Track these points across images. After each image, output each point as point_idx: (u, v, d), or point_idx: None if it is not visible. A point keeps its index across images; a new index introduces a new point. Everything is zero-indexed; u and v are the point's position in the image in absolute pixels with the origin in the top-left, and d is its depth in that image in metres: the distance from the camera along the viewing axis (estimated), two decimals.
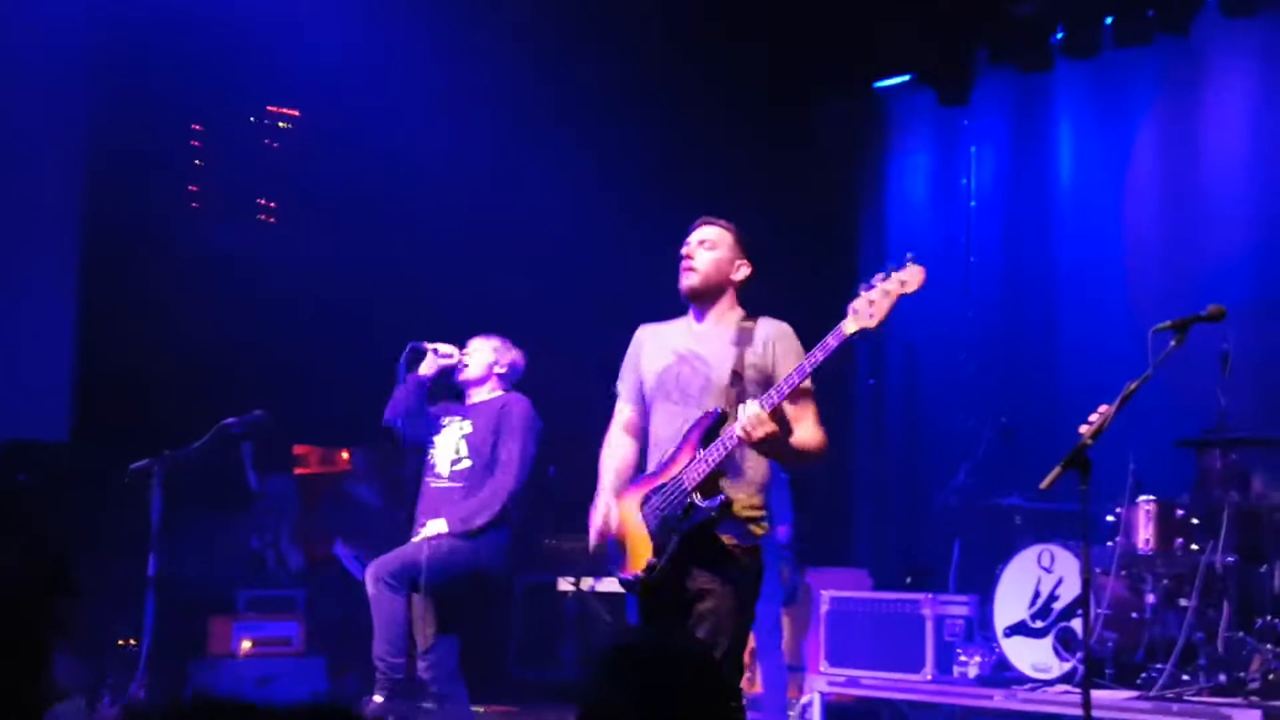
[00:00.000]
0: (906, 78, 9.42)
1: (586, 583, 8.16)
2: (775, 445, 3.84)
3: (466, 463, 5.81)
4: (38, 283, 8.18)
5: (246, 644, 7.45)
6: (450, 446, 5.87)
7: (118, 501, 6.50)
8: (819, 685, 6.80)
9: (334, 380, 8.36)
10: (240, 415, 6.46)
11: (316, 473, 9.03)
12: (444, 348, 5.97)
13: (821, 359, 3.82)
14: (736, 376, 4.03)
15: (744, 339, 4.12)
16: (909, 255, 3.78)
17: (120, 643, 7.04)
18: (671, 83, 9.10)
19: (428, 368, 5.96)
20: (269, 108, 9.31)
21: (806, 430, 3.99)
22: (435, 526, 5.65)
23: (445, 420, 5.97)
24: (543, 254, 9.14)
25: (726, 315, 4.29)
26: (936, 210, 9.50)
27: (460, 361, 5.96)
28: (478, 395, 6.01)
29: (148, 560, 6.07)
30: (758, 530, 3.97)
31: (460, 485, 5.78)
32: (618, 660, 2.28)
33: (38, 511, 6.76)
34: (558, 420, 7.93)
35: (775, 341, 4.13)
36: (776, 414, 3.82)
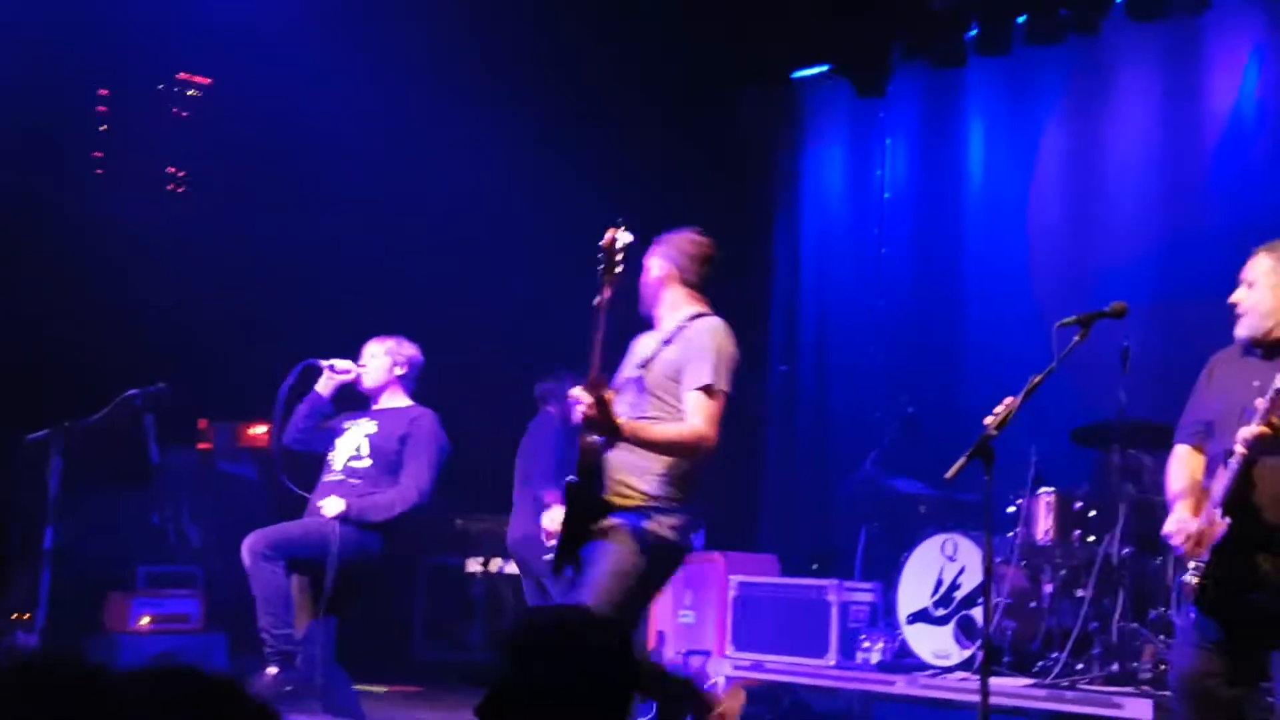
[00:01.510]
0: (824, 68, 9.49)
1: (495, 564, 8.15)
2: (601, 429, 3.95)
3: (366, 462, 5.72)
4: None
5: (145, 620, 7.33)
6: (351, 445, 5.77)
7: (15, 472, 6.35)
8: (724, 668, 6.86)
9: (239, 354, 8.23)
10: (143, 387, 6.35)
11: (215, 448, 8.90)
12: (340, 364, 5.85)
13: None
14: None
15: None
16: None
17: (14, 616, 6.88)
18: (589, 67, 9.08)
19: (325, 386, 5.86)
20: (179, 75, 9.12)
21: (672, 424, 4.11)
22: (334, 505, 5.58)
23: (347, 424, 5.87)
24: (455, 229, 9.08)
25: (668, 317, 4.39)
26: (850, 201, 9.59)
27: (357, 374, 5.86)
28: (386, 401, 5.91)
29: (44, 532, 5.94)
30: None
31: (356, 482, 5.68)
32: (525, 640, 2.28)
33: None
34: (468, 398, 7.92)
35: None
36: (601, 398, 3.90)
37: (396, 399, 5.92)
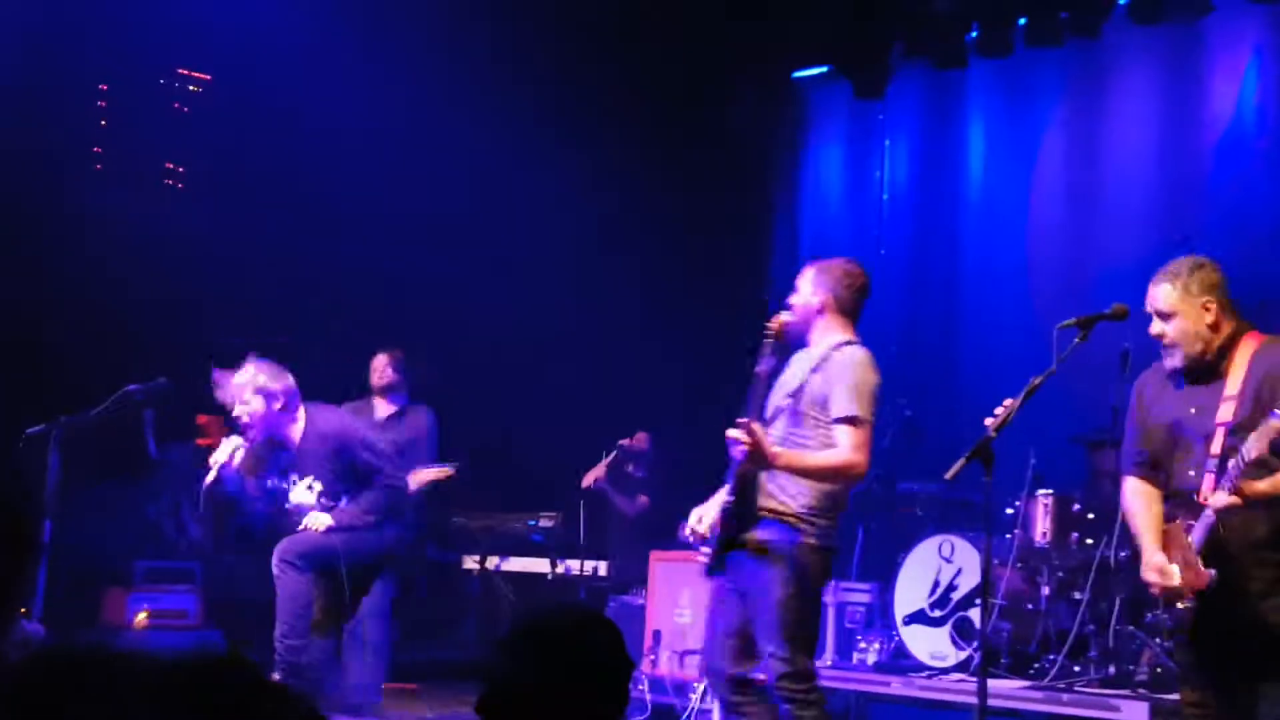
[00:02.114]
0: (824, 69, 9.49)
1: (491, 561, 8.14)
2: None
3: (340, 500, 5.75)
4: None
5: (142, 616, 7.32)
6: (311, 498, 5.78)
7: (13, 466, 6.34)
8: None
9: (239, 349, 8.22)
10: (142, 382, 6.35)
11: (218, 443, 8.87)
12: (217, 455, 5.80)
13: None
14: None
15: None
16: None
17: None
18: (589, 67, 9.08)
19: (223, 456, 5.79)
20: (179, 70, 9.10)
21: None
22: (319, 520, 5.60)
23: (287, 484, 5.84)
24: (452, 225, 9.07)
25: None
26: (850, 202, 9.60)
27: (242, 427, 5.79)
28: (293, 435, 5.83)
29: (42, 527, 5.93)
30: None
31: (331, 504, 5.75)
32: (520, 637, 2.28)
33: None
34: (461, 397, 7.91)
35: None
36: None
37: (295, 429, 5.83)
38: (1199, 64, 7.86)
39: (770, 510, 4.38)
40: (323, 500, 5.75)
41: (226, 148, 9.03)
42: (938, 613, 6.53)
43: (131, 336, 7.89)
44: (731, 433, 4.23)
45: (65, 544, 6.08)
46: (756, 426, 4.22)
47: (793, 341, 4.59)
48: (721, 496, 4.49)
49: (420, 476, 6.92)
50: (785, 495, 4.38)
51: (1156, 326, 3.93)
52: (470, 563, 8.31)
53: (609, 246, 9.19)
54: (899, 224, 9.25)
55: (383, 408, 7.26)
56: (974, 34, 8.54)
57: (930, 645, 6.51)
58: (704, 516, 4.55)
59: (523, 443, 8.71)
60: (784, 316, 4.51)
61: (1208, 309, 3.87)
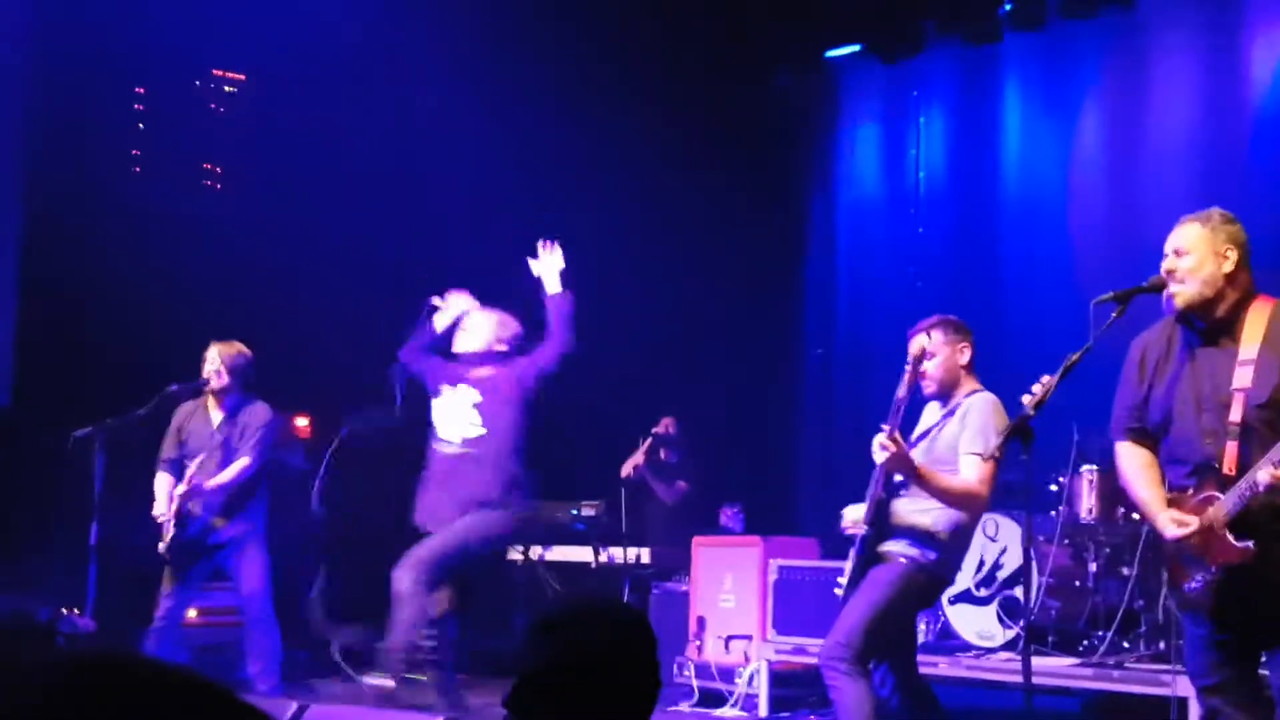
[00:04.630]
0: (856, 47, 9.43)
1: (536, 551, 8.16)
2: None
3: (482, 430, 5.82)
4: None
5: (192, 614, 7.37)
6: (460, 414, 5.86)
7: (60, 469, 6.42)
8: (765, 653, 6.85)
9: (277, 345, 8.29)
10: (185, 382, 6.41)
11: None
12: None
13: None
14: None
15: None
16: None
17: (63, 612, 6.96)
18: (622, 51, 9.06)
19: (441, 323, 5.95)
20: (215, 71, 9.16)
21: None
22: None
23: (443, 388, 5.92)
24: (491, 217, 9.09)
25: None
26: (885, 181, 9.53)
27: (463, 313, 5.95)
28: (483, 370, 5.95)
29: (90, 528, 6.00)
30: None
31: (475, 452, 5.82)
32: (545, 628, 2.28)
33: None
34: None
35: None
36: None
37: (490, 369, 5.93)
38: (1237, 32, 7.74)
39: (904, 525, 4.66)
40: (468, 438, 5.87)
41: (263, 147, 9.08)
42: (984, 591, 6.49)
43: (172, 336, 7.96)
44: (878, 442, 4.52)
45: (115, 543, 6.16)
46: (897, 435, 4.52)
47: (931, 395, 4.85)
48: (863, 511, 4.77)
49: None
50: (920, 515, 4.66)
51: (1169, 261, 3.82)
52: (514, 553, 8.33)
53: (642, 232, 9.19)
54: (936, 202, 9.18)
55: None
56: (1007, 7, 8.45)
57: (977, 624, 6.48)
58: (855, 513, 4.82)
59: (564, 432, 8.72)
60: (922, 342, 4.76)
61: (1227, 256, 3.76)
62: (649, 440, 8.31)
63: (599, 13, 8.83)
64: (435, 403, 5.95)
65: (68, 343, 8.06)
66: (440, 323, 6.00)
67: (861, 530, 4.74)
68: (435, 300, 6.02)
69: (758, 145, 9.59)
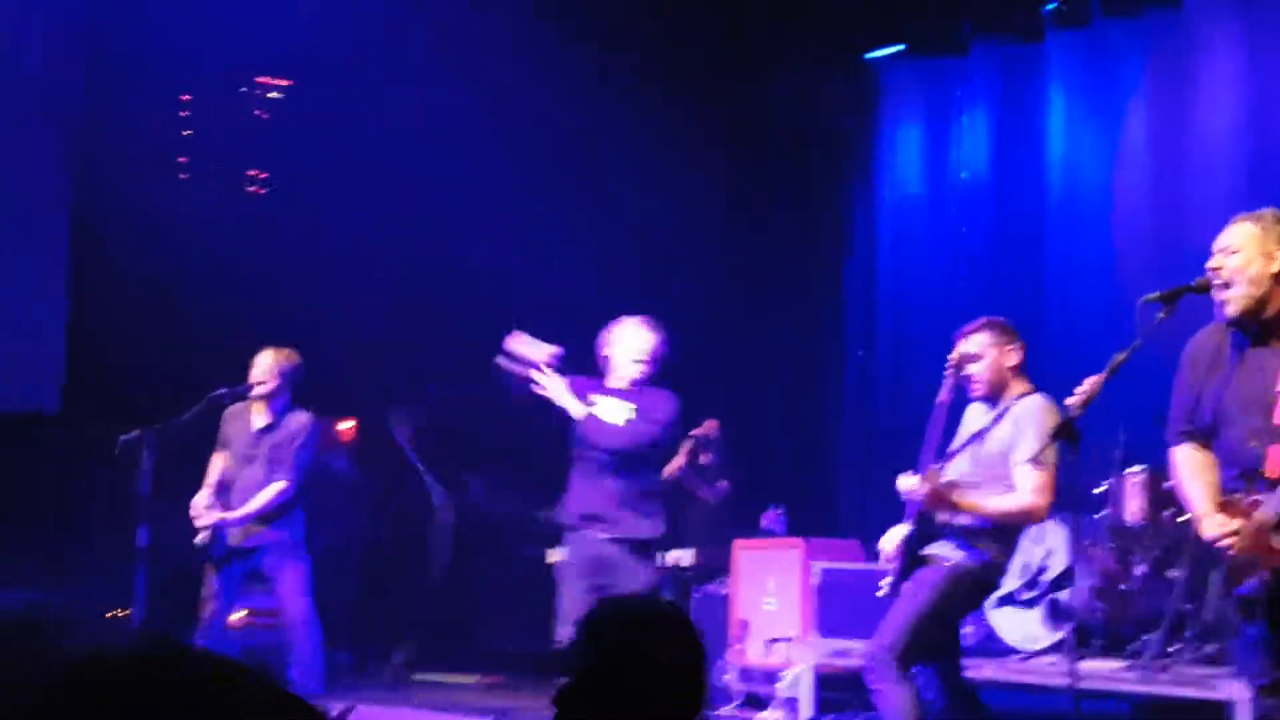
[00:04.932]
0: (898, 48, 9.39)
1: None
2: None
3: None
4: (30, 255, 8.16)
5: (237, 615, 7.42)
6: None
7: (109, 473, 6.49)
8: (808, 656, 6.82)
9: (323, 351, 8.36)
10: (231, 386, 6.46)
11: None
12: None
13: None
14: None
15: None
16: None
17: (111, 614, 7.04)
18: (661, 51, 9.06)
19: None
20: (258, 78, 9.25)
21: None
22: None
23: (594, 397, 5.80)
24: (534, 220, 9.11)
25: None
26: (927, 182, 9.48)
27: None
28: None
29: (138, 531, 6.07)
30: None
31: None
32: (593, 630, 2.29)
33: None
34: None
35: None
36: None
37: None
38: None
39: (950, 527, 4.65)
40: None
41: (306, 152, 9.15)
42: (1029, 595, 6.45)
43: (218, 340, 8.04)
44: (903, 484, 4.58)
45: (161, 546, 6.21)
46: (933, 473, 4.52)
47: (978, 398, 4.81)
48: (904, 529, 4.75)
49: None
50: (966, 516, 4.64)
51: (1216, 260, 3.77)
52: (555, 556, 8.35)
53: (683, 234, 9.19)
54: (978, 202, 9.12)
55: None
56: (1051, 6, 8.40)
57: (1022, 628, 6.43)
58: (893, 538, 4.79)
59: None
60: (965, 348, 4.75)
61: (1274, 257, 3.71)
62: (690, 442, 8.30)
63: (642, 14, 8.84)
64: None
65: (116, 347, 8.15)
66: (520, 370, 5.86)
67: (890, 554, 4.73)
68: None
69: (798, 146, 9.57)
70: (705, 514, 8.42)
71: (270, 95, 9.31)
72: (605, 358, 5.73)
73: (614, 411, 5.63)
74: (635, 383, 5.64)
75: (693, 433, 8.32)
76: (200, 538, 6.26)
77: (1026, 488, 4.54)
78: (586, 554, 5.57)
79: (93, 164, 8.33)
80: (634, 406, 5.60)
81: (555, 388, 5.61)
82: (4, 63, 7.90)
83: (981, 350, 4.77)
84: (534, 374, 5.70)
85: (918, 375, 9.18)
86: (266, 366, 6.34)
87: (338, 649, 7.29)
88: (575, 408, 5.55)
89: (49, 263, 8.25)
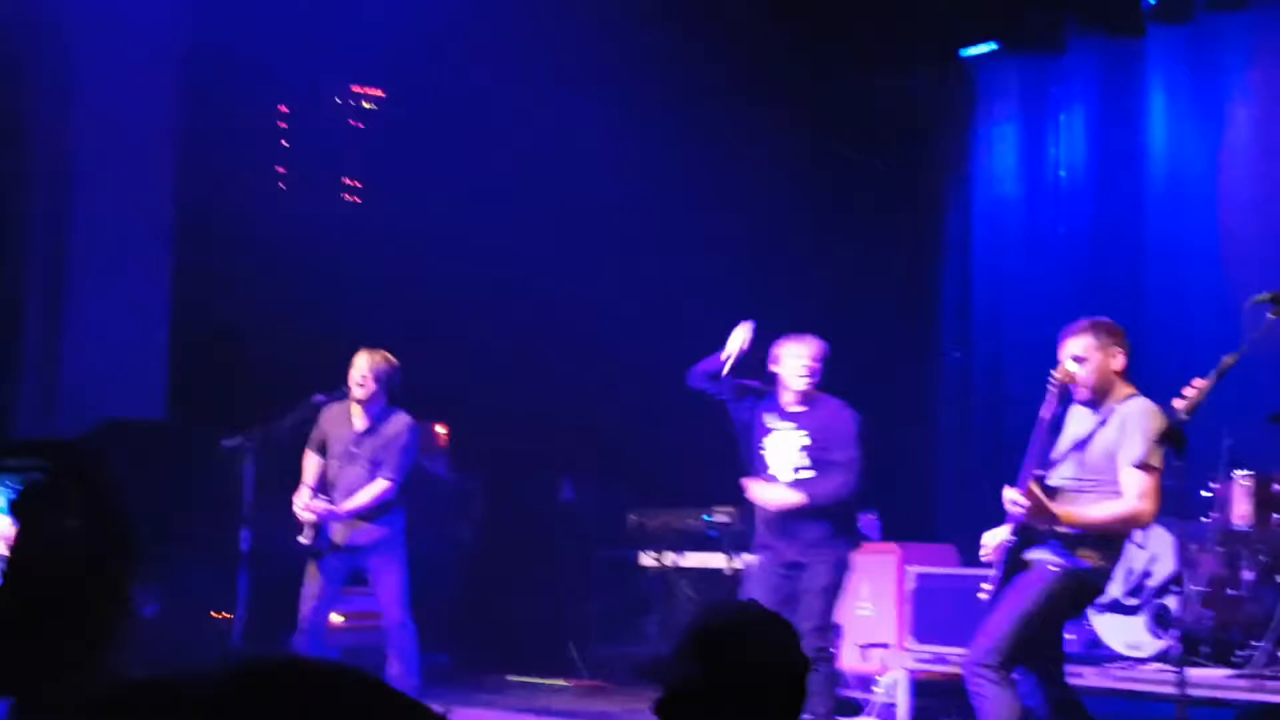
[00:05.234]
0: (993, 46, 9.27)
1: (669, 558, 8.17)
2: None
3: (811, 474, 5.81)
4: (134, 265, 8.35)
5: (336, 618, 7.52)
6: (789, 453, 5.86)
7: (212, 477, 6.61)
8: (904, 662, 6.75)
9: (419, 354, 8.45)
10: (328, 391, 6.54)
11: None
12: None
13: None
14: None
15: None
16: None
17: (215, 616, 7.18)
18: (754, 52, 9.02)
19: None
20: (353, 87, 9.39)
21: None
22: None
23: (770, 423, 5.92)
24: (628, 227, 9.13)
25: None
26: (1024, 180, 9.34)
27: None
28: (803, 403, 5.93)
29: (240, 534, 6.17)
30: None
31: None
32: (697, 641, 2.29)
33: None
34: (644, 395, 7.89)
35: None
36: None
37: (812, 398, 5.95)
38: None
39: (1052, 533, 4.57)
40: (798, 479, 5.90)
41: (401, 160, 9.27)
42: (1133, 601, 6.31)
43: (317, 346, 8.16)
44: (1008, 497, 4.52)
45: (264, 550, 6.32)
46: (1035, 488, 4.45)
47: (1083, 401, 4.72)
48: (1005, 533, 4.69)
49: None
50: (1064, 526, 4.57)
51: None
52: (648, 559, 8.35)
53: (776, 236, 9.15)
54: (1077, 201, 8.96)
55: None
56: (1152, 1, 8.22)
57: (1126, 634, 6.30)
58: (995, 539, 4.74)
59: (696, 437, 8.73)
60: (1070, 368, 4.66)
61: None
62: None
63: (734, 16, 8.81)
64: (765, 441, 5.92)
65: (218, 355, 8.32)
66: (728, 351, 5.94)
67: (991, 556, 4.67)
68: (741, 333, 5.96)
69: (893, 145, 9.48)
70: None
71: (365, 105, 9.45)
72: (773, 375, 5.92)
73: (785, 448, 5.82)
74: (805, 397, 5.86)
75: None
76: (305, 534, 6.32)
77: (1132, 493, 4.47)
78: (774, 563, 5.78)
79: (194, 175, 8.51)
80: (805, 433, 5.80)
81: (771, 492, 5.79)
82: (105, 77, 8.10)
83: (1086, 352, 4.68)
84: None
85: (1015, 377, 9.06)
86: (365, 369, 6.40)
87: (435, 651, 7.36)
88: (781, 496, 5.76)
89: (153, 272, 8.43)
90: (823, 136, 9.12)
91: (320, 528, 6.35)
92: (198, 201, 8.49)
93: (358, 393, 6.39)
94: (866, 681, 6.80)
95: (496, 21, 8.58)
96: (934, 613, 6.93)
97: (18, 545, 1.83)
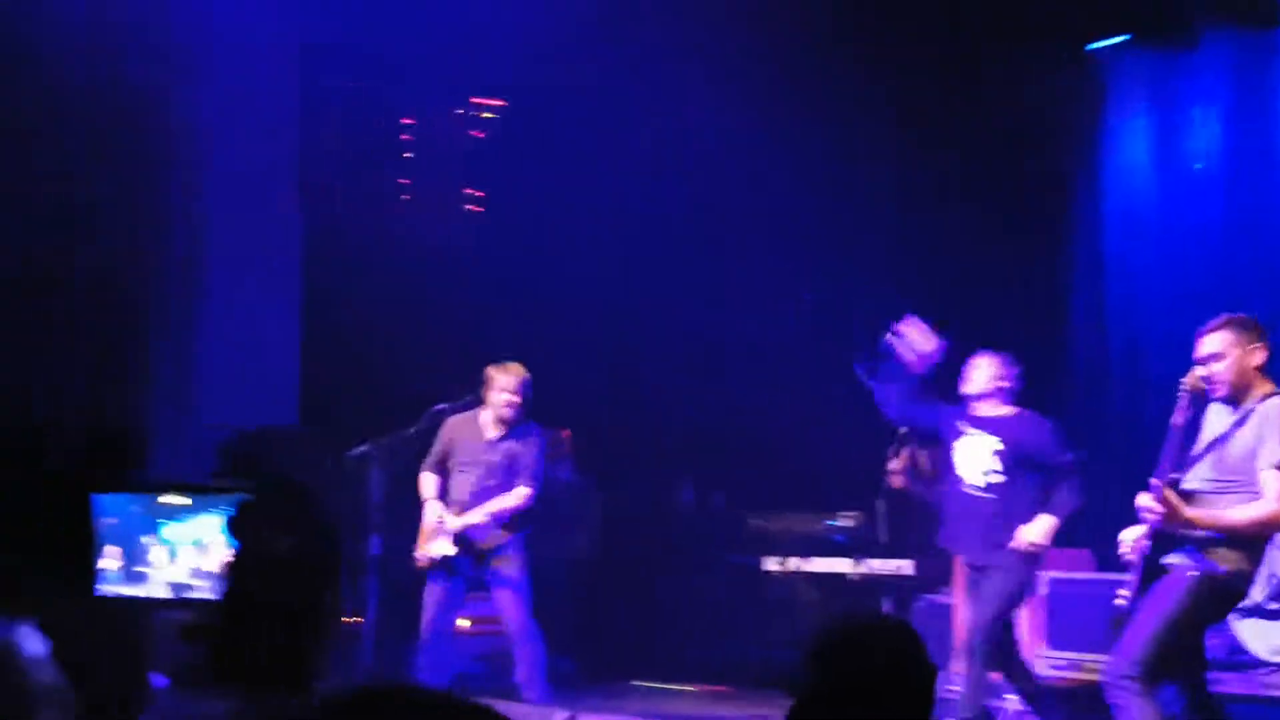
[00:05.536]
0: (1122, 38, 9.05)
1: (792, 563, 8.10)
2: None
3: (1001, 478, 5.91)
4: (265, 278, 8.57)
5: (464, 623, 7.58)
6: (980, 458, 5.97)
7: (341, 483, 6.74)
8: (1039, 669, 6.60)
9: (541, 359, 8.52)
10: (452, 400, 6.62)
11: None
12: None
13: None
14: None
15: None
16: None
17: (345, 620, 7.30)
18: (877, 47, 8.92)
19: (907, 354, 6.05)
20: (474, 99, 9.50)
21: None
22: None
23: (962, 428, 6.04)
24: (752, 228, 9.09)
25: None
26: (1157, 176, 9.09)
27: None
28: (989, 410, 6.06)
29: (370, 541, 6.28)
30: None
31: (994, 498, 5.93)
32: (826, 650, 2.28)
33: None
34: (767, 397, 7.83)
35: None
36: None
37: (1001, 409, 6.05)
38: None
39: (1192, 536, 4.51)
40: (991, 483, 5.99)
41: (522, 171, 9.35)
42: (1276, 605, 6.10)
43: (440, 355, 8.29)
44: (1142, 503, 4.46)
45: (392, 558, 6.42)
46: (1169, 493, 4.40)
47: (1220, 399, 4.64)
48: (1142, 534, 4.61)
49: None
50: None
51: None
52: (771, 564, 8.30)
53: (901, 231, 9.03)
54: (1210, 196, 8.69)
55: None
56: None
57: (1269, 640, 6.08)
58: (1132, 536, 4.65)
59: (819, 440, 8.66)
60: (1201, 372, 4.59)
61: None
62: (908, 446, 8.12)
63: (862, 14, 8.73)
64: (955, 444, 6.04)
65: (348, 364, 8.48)
66: (905, 353, 6.04)
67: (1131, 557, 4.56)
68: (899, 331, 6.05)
69: (1020, 141, 9.29)
70: (928, 521, 8.23)
71: (486, 115, 9.56)
72: (964, 394, 6.08)
73: (976, 453, 5.95)
74: (997, 408, 6.03)
75: (903, 430, 8.14)
76: (436, 548, 6.40)
77: (1272, 494, 4.34)
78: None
79: (320, 189, 8.70)
80: (999, 439, 5.92)
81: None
82: (229, 93, 8.31)
83: (1224, 349, 4.54)
84: None
85: (1149, 376, 8.80)
86: (511, 385, 6.47)
87: (560, 656, 7.39)
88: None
89: (283, 284, 8.64)
90: (947, 133, 8.97)
91: (457, 538, 6.43)
92: (326, 216, 8.69)
93: (505, 412, 6.46)
94: (997, 688, 6.66)
95: (619, 26, 8.61)
96: (1069, 619, 6.78)
97: (236, 563, 1.96)
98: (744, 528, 8.56)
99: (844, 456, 8.43)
